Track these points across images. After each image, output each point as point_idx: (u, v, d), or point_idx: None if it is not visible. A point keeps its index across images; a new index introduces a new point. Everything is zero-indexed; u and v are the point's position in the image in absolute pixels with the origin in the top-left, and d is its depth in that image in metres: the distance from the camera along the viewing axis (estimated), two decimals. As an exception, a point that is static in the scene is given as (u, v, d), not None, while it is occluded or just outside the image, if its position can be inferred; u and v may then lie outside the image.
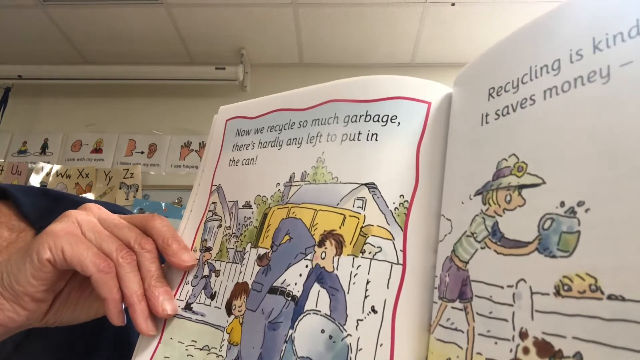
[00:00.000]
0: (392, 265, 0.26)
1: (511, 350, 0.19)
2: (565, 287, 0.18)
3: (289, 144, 0.35)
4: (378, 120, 0.31)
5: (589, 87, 0.20)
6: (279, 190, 0.34)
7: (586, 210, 0.18)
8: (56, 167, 2.07)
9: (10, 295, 0.30)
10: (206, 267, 0.35)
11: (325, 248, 0.29)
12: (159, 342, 0.33)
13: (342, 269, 0.27)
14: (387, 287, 0.26)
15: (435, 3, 1.76)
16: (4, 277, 0.31)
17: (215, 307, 0.33)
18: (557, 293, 0.18)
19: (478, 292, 0.22)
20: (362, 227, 0.28)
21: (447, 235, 0.26)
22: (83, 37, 2.06)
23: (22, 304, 0.31)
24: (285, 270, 0.30)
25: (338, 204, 0.30)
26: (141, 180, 2.03)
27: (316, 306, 0.27)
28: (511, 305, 0.20)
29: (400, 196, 0.28)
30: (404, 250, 0.27)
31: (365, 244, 0.27)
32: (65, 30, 2.01)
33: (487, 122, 0.26)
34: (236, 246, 0.34)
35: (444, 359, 0.23)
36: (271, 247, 0.32)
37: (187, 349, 0.32)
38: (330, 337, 0.26)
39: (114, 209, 0.41)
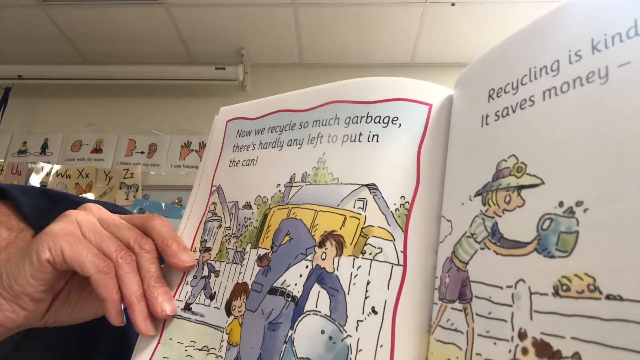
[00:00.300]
0: (392, 266, 0.26)
1: (510, 351, 0.19)
2: (564, 287, 0.18)
3: (290, 145, 0.35)
4: (379, 122, 0.31)
5: (588, 88, 0.20)
6: (280, 190, 0.34)
7: (585, 210, 0.18)
8: (56, 167, 2.07)
9: (9, 296, 0.30)
10: (206, 267, 0.35)
11: (326, 249, 0.29)
12: (158, 343, 0.33)
13: (342, 270, 0.27)
14: (388, 288, 0.26)
15: (435, 3, 1.76)
16: (4, 277, 0.31)
17: (214, 307, 0.33)
18: (556, 293, 0.18)
19: (478, 292, 0.22)
20: (362, 228, 0.28)
21: (447, 236, 0.26)
22: (83, 37, 2.06)
23: (21, 304, 0.31)
24: (286, 270, 0.30)
25: (339, 204, 0.30)
26: (141, 180, 2.04)
27: (316, 307, 0.27)
28: (510, 306, 0.20)
29: (401, 197, 0.28)
30: (404, 251, 0.27)
31: (365, 244, 0.27)
32: (65, 30, 2.01)
33: (487, 124, 0.26)
34: (236, 247, 0.34)
35: (444, 359, 0.23)
36: (271, 247, 0.32)
37: (186, 350, 0.32)
38: (330, 337, 0.26)
39: (114, 209, 0.41)
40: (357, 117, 0.32)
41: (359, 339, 0.25)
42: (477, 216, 0.24)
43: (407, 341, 0.25)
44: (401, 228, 0.27)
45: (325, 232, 0.29)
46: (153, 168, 2.08)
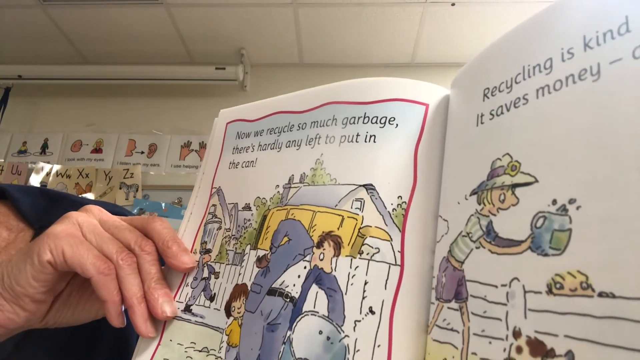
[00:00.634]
0: (390, 266, 0.27)
1: (505, 350, 0.19)
2: (557, 285, 0.18)
3: (288, 146, 0.35)
4: (376, 122, 0.31)
5: (580, 85, 0.20)
6: (278, 192, 0.34)
7: (577, 208, 0.19)
8: (56, 167, 2.07)
9: (10, 297, 0.31)
10: (206, 269, 0.35)
11: (324, 249, 0.29)
12: (158, 344, 0.33)
13: (340, 270, 0.27)
14: (385, 288, 0.26)
15: (435, 3, 1.76)
16: (4, 278, 0.31)
17: (214, 308, 0.33)
18: (550, 291, 0.18)
19: (473, 292, 0.22)
20: (360, 228, 0.28)
21: (444, 236, 0.26)
22: (83, 37, 2.06)
23: (22, 305, 0.31)
24: (284, 271, 0.30)
25: (336, 205, 0.30)
26: (141, 180, 2.04)
27: (314, 307, 0.27)
28: (505, 305, 0.20)
29: (398, 197, 0.28)
30: (401, 251, 0.27)
31: (363, 245, 0.28)
32: (65, 30, 2.01)
33: (482, 123, 0.26)
34: (235, 248, 0.35)
35: (441, 359, 0.23)
36: (270, 248, 0.32)
37: (186, 351, 0.32)
38: (328, 338, 0.26)
39: (114, 209, 0.41)
40: (354, 117, 0.32)
41: (356, 339, 0.25)
42: (472, 215, 0.24)
43: (405, 341, 0.25)
44: (398, 228, 0.28)
45: (323, 232, 0.29)
46: (153, 168, 2.08)
